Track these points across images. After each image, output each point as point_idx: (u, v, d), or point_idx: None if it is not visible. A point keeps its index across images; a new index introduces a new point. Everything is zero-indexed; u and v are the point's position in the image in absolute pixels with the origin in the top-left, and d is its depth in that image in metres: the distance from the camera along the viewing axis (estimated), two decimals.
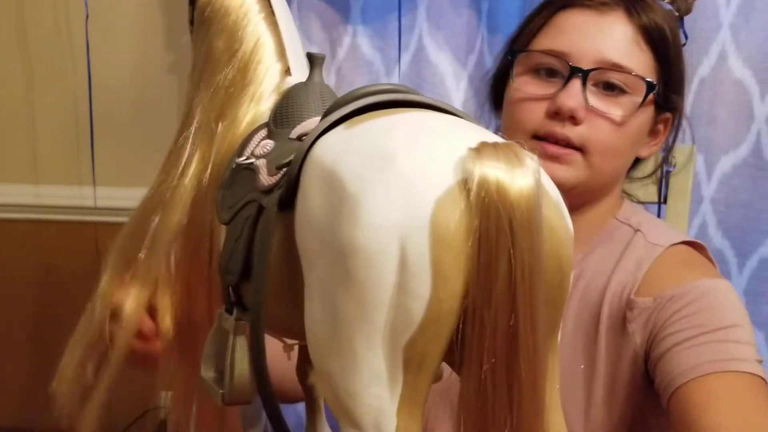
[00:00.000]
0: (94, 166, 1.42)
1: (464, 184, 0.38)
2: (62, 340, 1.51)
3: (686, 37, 1.13)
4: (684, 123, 1.22)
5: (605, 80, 0.84)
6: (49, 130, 1.48)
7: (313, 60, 0.58)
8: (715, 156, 1.23)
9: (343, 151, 0.43)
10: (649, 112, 0.88)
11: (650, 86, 0.85)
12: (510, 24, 1.20)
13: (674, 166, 1.04)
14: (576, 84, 0.82)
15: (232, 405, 0.55)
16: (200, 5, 0.68)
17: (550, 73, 0.85)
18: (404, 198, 0.39)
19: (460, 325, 0.39)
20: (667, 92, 0.89)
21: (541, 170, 0.40)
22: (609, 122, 0.84)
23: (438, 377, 0.44)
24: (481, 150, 0.38)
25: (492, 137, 0.41)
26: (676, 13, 1.12)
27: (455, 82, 1.27)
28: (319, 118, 0.50)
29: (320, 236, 0.42)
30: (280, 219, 0.48)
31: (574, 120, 0.82)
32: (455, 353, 0.39)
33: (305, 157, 0.46)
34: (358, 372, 0.40)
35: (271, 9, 0.66)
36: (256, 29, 0.65)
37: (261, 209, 0.51)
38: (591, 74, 0.82)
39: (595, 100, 0.83)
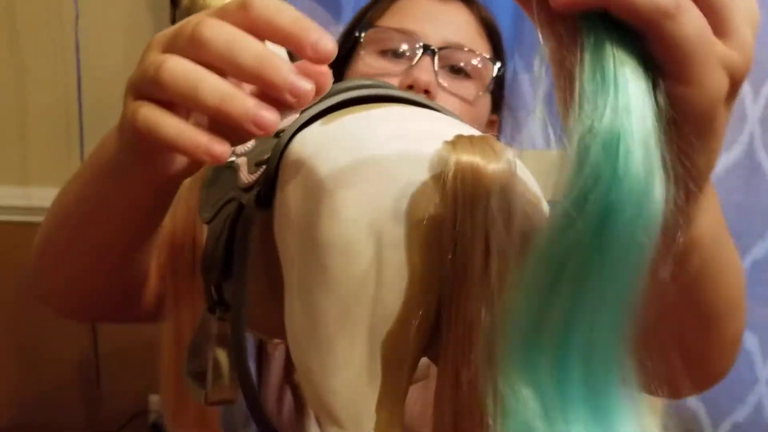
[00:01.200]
0: None
1: (439, 177, 0.38)
2: (51, 342, 1.51)
3: None
4: None
5: (451, 63, 0.85)
6: (39, 132, 1.47)
7: (293, 57, 0.58)
8: None
9: (320, 146, 0.42)
10: (487, 102, 0.90)
11: (497, 67, 0.88)
12: (501, 26, 1.20)
13: None
14: (427, 60, 0.82)
15: (215, 405, 0.55)
16: (183, 7, 0.68)
17: (396, 54, 0.84)
18: (380, 192, 0.38)
19: (439, 319, 0.38)
20: (500, 90, 0.92)
21: (518, 161, 0.39)
22: (460, 102, 0.84)
23: (424, 375, 0.43)
24: (456, 143, 0.38)
25: (469, 130, 0.41)
26: None
27: None
28: (298, 113, 0.49)
29: (298, 232, 0.41)
30: (260, 216, 0.48)
31: (427, 94, 0.81)
32: (435, 348, 0.39)
33: (282, 154, 0.46)
34: (337, 368, 0.39)
35: None
36: None
37: (241, 207, 0.50)
38: (440, 53, 0.83)
39: (444, 80, 0.84)
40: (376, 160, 0.39)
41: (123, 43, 1.42)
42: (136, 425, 1.52)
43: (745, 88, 1.21)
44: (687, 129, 0.31)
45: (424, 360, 0.41)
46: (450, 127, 0.42)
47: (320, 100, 0.47)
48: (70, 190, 0.58)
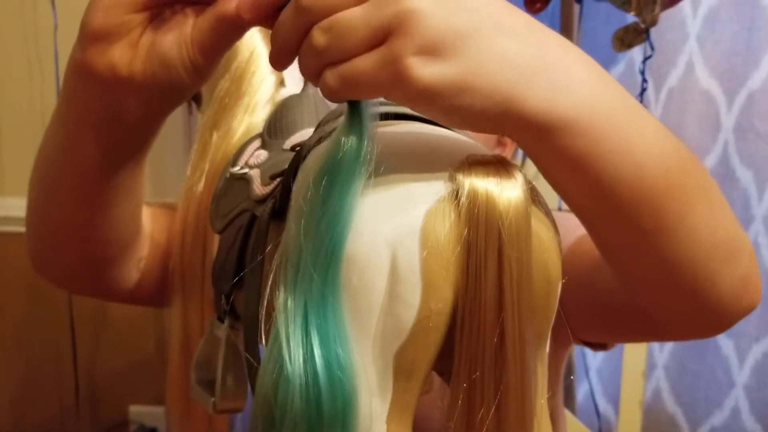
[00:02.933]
0: None
1: (454, 195, 0.39)
2: (28, 352, 1.49)
3: (652, 49, 1.15)
4: None
5: None
6: (16, 141, 1.46)
7: None
8: None
9: None
10: None
11: None
12: None
13: None
14: None
15: (223, 413, 0.56)
16: None
17: None
18: (395, 208, 0.39)
19: (450, 334, 0.39)
20: None
21: (526, 179, 0.40)
22: None
23: (429, 388, 0.44)
24: (470, 162, 0.39)
25: (480, 149, 0.42)
26: (642, 25, 1.14)
27: None
28: (313, 129, 0.50)
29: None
30: (273, 228, 0.48)
31: None
32: (444, 362, 0.40)
33: (298, 168, 0.47)
34: None
35: None
36: (251, 41, 0.65)
37: (254, 218, 0.51)
38: None
39: None
40: (393, 177, 0.40)
41: None
42: None
43: (720, 97, 1.23)
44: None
45: None
46: (463, 145, 0.43)
47: (337, 116, 0.48)
48: (44, 138, 0.57)
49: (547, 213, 0.42)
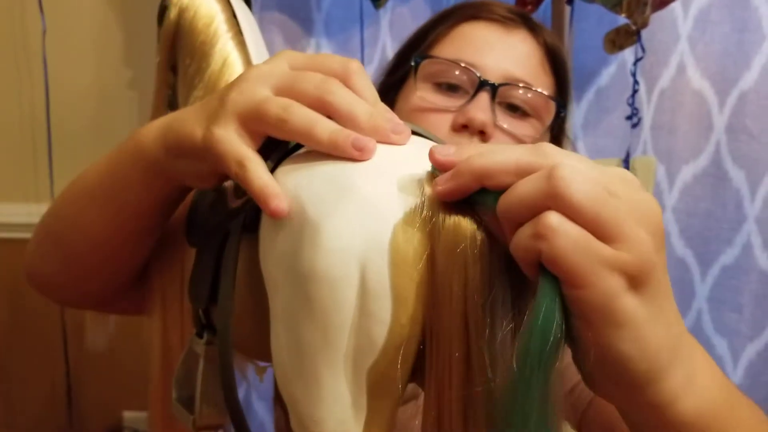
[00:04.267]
0: (53, 184, 1.40)
1: (421, 209, 0.38)
2: (22, 358, 1.48)
3: (643, 51, 1.15)
4: (645, 133, 1.24)
5: (509, 101, 0.78)
6: (5, 147, 1.45)
7: None
8: (676, 166, 1.25)
9: (305, 174, 0.42)
10: (546, 141, 0.82)
11: (559, 107, 0.81)
12: None
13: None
14: (484, 97, 0.76)
15: (203, 430, 0.54)
16: (169, 22, 0.67)
17: (451, 87, 0.78)
18: (364, 223, 0.38)
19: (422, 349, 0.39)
20: (561, 124, 0.85)
21: None
22: (516, 143, 0.77)
23: (413, 395, 0.43)
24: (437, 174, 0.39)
25: None
26: (634, 27, 1.14)
27: None
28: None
29: (282, 261, 0.41)
30: (246, 242, 0.48)
31: (483, 136, 0.75)
32: (421, 375, 0.39)
33: None
34: (322, 398, 0.39)
35: (239, 28, 0.65)
36: (224, 48, 0.64)
37: (228, 233, 0.50)
38: (499, 90, 0.76)
39: (502, 119, 0.77)
40: (360, 191, 0.39)
41: (92, 57, 1.41)
42: None
43: (711, 98, 1.23)
44: (595, 322, 0.35)
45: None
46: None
47: None
48: (89, 176, 0.59)
49: None
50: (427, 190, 0.38)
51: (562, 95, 0.84)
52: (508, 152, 0.37)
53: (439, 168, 0.39)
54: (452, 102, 0.77)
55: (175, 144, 0.49)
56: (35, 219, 1.58)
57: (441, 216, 0.37)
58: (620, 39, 1.14)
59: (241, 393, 0.96)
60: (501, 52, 0.80)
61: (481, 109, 0.75)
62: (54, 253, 0.63)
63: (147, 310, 0.65)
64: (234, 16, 0.65)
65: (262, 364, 0.62)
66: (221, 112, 0.45)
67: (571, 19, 1.19)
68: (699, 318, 1.28)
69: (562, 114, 0.82)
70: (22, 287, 1.41)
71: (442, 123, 0.76)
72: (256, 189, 0.42)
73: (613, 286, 0.34)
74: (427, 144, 0.45)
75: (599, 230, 0.34)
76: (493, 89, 0.76)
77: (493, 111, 0.76)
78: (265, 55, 0.68)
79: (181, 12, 0.66)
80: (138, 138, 0.53)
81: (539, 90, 0.79)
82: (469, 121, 0.75)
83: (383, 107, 0.45)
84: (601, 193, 0.34)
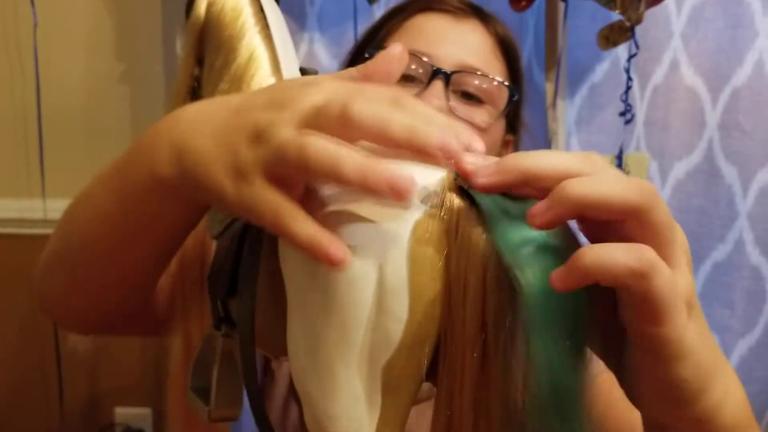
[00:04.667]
0: (44, 178, 1.39)
1: (441, 207, 0.38)
2: (13, 354, 1.47)
3: (637, 47, 1.15)
4: (638, 129, 1.24)
5: (463, 89, 0.80)
6: None
7: (305, 74, 0.58)
8: (668, 162, 1.26)
9: None
10: (501, 126, 0.85)
11: (512, 92, 0.82)
12: None
13: (628, 173, 1.06)
14: (438, 85, 0.77)
15: (218, 422, 0.55)
16: (195, 16, 0.67)
17: (407, 78, 0.79)
18: (383, 220, 0.38)
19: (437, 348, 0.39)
20: (516, 109, 0.86)
21: None
22: (471, 128, 0.80)
23: (428, 396, 0.43)
24: (459, 172, 0.38)
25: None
26: (627, 23, 1.14)
27: None
28: None
29: (300, 254, 0.41)
30: (267, 235, 0.47)
31: None
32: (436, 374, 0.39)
33: None
34: (336, 393, 0.39)
35: (266, 23, 0.65)
36: (250, 42, 0.64)
37: (248, 224, 0.50)
38: (453, 77, 0.78)
39: (457, 106, 0.79)
40: None
41: (84, 52, 1.40)
42: None
43: (704, 95, 1.23)
44: (664, 356, 0.36)
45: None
46: None
47: None
48: (91, 206, 0.55)
49: None
50: (447, 188, 0.38)
51: (514, 82, 0.86)
52: (558, 157, 0.36)
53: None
54: (408, 92, 0.77)
55: (199, 188, 0.44)
56: (26, 214, 1.57)
57: (459, 215, 0.37)
58: (614, 35, 1.14)
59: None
60: (453, 41, 0.82)
61: (435, 96, 0.77)
62: (68, 280, 0.60)
63: (164, 329, 0.65)
64: (261, 10, 0.66)
65: (280, 358, 0.62)
66: (247, 167, 0.40)
67: (565, 15, 1.19)
68: None
69: (515, 99, 0.83)
70: (11, 282, 1.41)
71: None
72: (305, 243, 0.37)
73: (684, 319, 0.35)
74: None
75: (668, 260, 0.35)
76: (447, 77, 0.78)
77: (447, 98, 0.77)
78: (291, 51, 0.69)
79: (209, 6, 0.66)
80: (150, 165, 0.47)
81: (491, 76, 0.81)
82: None
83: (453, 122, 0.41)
84: (672, 220, 0.35)
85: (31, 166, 1.41)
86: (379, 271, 0.38)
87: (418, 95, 0.77)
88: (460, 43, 0.82)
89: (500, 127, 0.85)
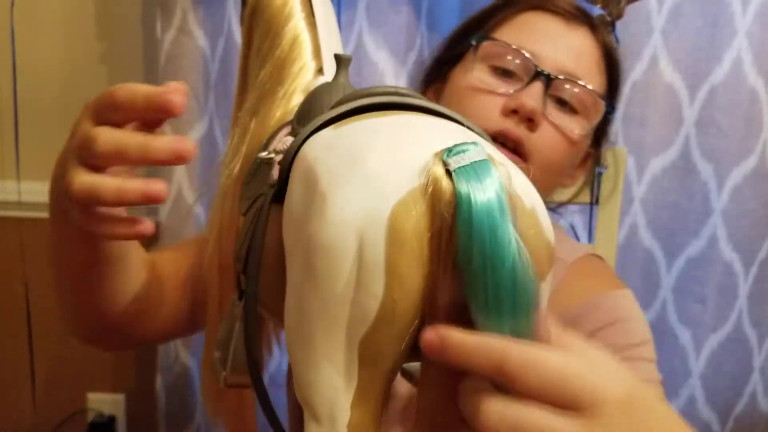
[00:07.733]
0: (18, 160, 1.37)
1: (424, 189, 0.39)
2: None
3: (617, 42, 1.16)
4: (616, 124, 1.25)
5: (559, 95, 0.80)
6: None
7: (339, 61, 0.59)
8: (645, 158, 1.27)
9: (324, 149, 0.45)
10: (588, 139, 0.86)
11: (608, 109, 0.83)
12: (450, 22, 1.21)
13: (606, 167, 1.07)
14: (538, 87, 0.78)
15: (232, 387, 0.59)
16: (249, 4, 0.70)
17: (506, 72, 0.80)
18: (366, 196, 0.40)
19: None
20: (606, 125, 0.87)
21: (514, 176, 0.40)
22: (562, 137, 0.79)
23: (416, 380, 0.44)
24: (448, 155, 0.39)
25: (468, 140, 0.41)
26: (609, 18, 1.14)
27: (395, 80, 1.27)
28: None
29: (296, 230, 0.44)
30: (276, 212, 0.50)
31: (530, 123, 0.77)
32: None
33: (296, 155, 0.48)
34: (316, 362, 0.41)
35: (311, 9, 0.68)
36: (295, 27, 0.66)
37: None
38: (554, 82, 0.78)
39: (551, 110, 0.79)
40: (369, 165, 0.41)
41: (62, 32, 1.38)
42: (73, 423, 1.48)
43: (682, 91, 1.24)
44: None
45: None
46: (455, 136, 0.43)
47: (337, 105, 0.49)
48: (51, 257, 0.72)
49: (534, 208, 0.42)
50: (434, 168, 0.39)
51: (612, 98, 0.86)
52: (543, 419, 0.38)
53: None
54: (506, 87, 0.79)
55: (64, 200, 0.55)
56: (0, 196, 1.54)
57: (440, 196, 0.38)
58: None
59: None
60: (560, 45, 0.81)
61: (533, 97, 0.77)
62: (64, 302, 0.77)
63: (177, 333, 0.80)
64: None
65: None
66: (65, 161, 0.55)
67: None
68: (664, 308, 1.30)
69: (610, 116, 0.83)
70: None
71: (494, 105, 0.78)
72: (114, 195, 0.49)
73: None
74: (460, 131, 0.46)
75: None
76: (548, 80, 0.78)
77: (544, 102, 0.78)
78: (336, 37, 0.71)
79: None
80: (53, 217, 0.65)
81: (592, 88, 0.80)
82: (520, 107, 0.77)
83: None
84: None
85: (6, 147, 1.39)
86: (359, 246, 0.39)
87: (517, 92, 0.78)
88: (567, 48, 0.81)
89: (587, 140, 0.85)
